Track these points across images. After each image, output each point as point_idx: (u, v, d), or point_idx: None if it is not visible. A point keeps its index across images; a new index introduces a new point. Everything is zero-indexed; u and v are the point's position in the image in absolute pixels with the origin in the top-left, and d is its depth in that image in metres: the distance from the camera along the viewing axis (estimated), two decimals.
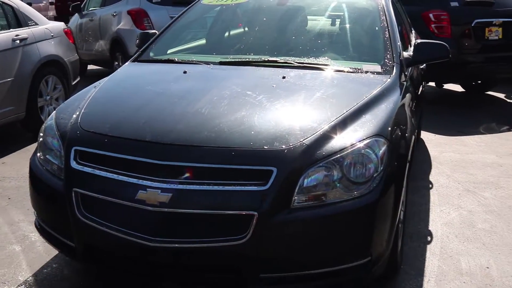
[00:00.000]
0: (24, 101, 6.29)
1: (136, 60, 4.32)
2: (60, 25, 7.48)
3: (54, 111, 3.50)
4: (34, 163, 3.27)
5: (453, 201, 4.67)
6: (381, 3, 4.44)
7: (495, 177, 5.27)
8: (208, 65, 3.95)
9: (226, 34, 4.91)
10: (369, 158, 2.81)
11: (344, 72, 3.74)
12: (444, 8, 7.99)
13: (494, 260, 3.67)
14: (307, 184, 2.69)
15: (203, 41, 4.92)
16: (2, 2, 6.42)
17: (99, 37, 10.30)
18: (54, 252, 3.64)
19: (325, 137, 2.83)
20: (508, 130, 7.02)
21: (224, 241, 2.62)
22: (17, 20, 6.54)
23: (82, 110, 3.27)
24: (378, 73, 3.71)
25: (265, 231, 2.61)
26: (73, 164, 2.92)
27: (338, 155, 2.75)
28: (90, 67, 11.75)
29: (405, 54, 4.06)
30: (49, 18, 11.79)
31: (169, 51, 4.47)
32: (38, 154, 3.27)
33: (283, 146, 2.73)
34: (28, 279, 3.39)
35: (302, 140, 2.78)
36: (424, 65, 5.37)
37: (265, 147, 2.73)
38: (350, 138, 2.86)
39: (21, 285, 3.32)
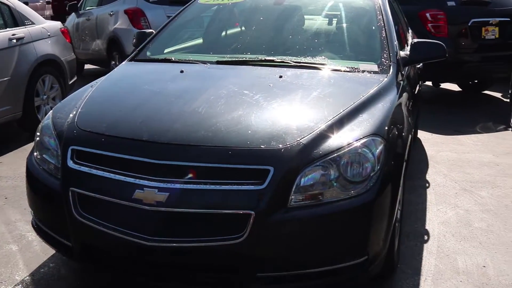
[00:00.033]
0: (21, 100, 6.28)
1: (133, 59, 4.32)
2: (57, 24, 7.47)
3: (51, 111, 3.49)
4: (31, 162, 3.26)
5: (450, 200, 4.68)
6: (378, 3, 4.44)
7: (491, 176, 5.28)
8: (205, 65, 3.95)
9: (223, 33, 4.91)
10: (366, 157, 2.81)
11: (341, 71, 3.74)
12: (441, 7, 8.00)
13: (490, 259, 3.68)
14: (304, 183, 2.69)
15: (200, 41, 4.92)
16: None
17: (96, 36, 10.28)
18: (51, 251, 3.63)
19: (322, 136, 2.83)
20: (505, 129, 7.03)
21: (221, 240, 2.62)
22: (14, 19, 6.53)
23: (79, 110, 3.27)
24: (375, 72, 3.72)
25: (262, 230, 2.61)
26: (70, 163, 2.92)
27: (335, 154, 2.76)
28: (87, 66, 11.75)
29: (402, 53, 4.06)
30: (46, 18, 11.77)
31: (166, 51, 4.47)
32: (35, 154, 3.27)
33: (280, 145, 2.73)
34: (25, 279, 3.38)
35: (299, 139, 2.78)
36: (421, 64, 5.37)
37: (262, 146, 2.73)
38: (347, 137, 2.86)
39: (18, 285, 3.32)
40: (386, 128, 3.03)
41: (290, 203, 2.66)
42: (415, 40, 4.32)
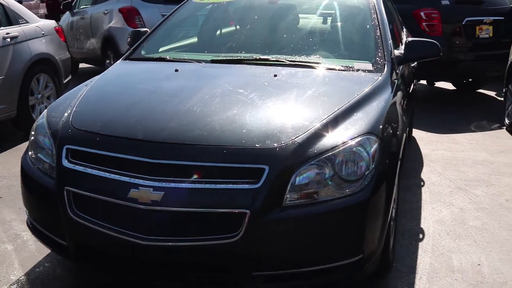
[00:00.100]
0: (15, 99, 6.27)
1: (127, 58, 4.31)
2: (51, 23, 7.45)
3: (46, 110, 3.48)
4: (26, 161, 3.25)
5: (444, 198, 4.69)
6: (372, 1, 4.44)
7: (486, 175, 5.29)
8: (200, 63, 3.95)
9: (218, 32, 4.90)
10: (361, 156, 2.82)
11: (336, 70, 3.74)
12: (435, 6, 8.02)
13: (485, 257, 3.69)
14: (299, 182, 2.69)
15: (194, 39, 4.91)
16: None
17: (91, 35, 10.27)
18: (46, 251, 3.63)
19: (317, 135, 2.83)
20: (499, 127, 7.06)
21: (217, 239, 2.62)
22: (8, 18, 6.51)
23: (74, 109, 3.26)
24: (369, 71, 3.72)
25: (257, 229, 2.61)
26: (65, 162, 2.91)
27: (330, 153, 2.76)
28: (81, 65, 11.72)
29: (396, 52, 4.07)
30: (40, 16, 11.75)
31: (160, 49, 4.46)
32: (30, 153, 3.26)
33: (275, 144, 2.74)
34: (21, 278, 3.38)
35: (293, 138, 2.78)
36: (416, 63, 5.38)
37: (257, 145, 2.73)
38: (342, 136, 2.87)
39: (13, 284, 3.31)
40: (381, 127, 3.03)
41: (285, 202, 2.66)
42: (410, 39, 4.33)
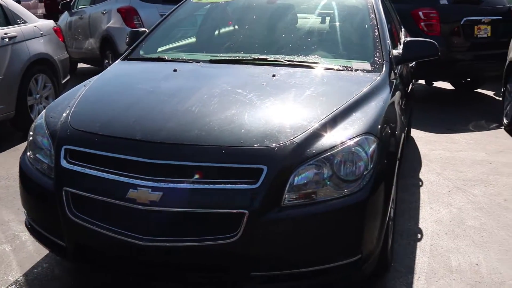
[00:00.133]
0: (14, 99, 6.26)
1: (126, 58, 4.31)
2: (50, 23, 7.45)
3: (44, 110, 3.48)
4: (24, 162, 3.25)
5: (443, 198, 4.69)
6: (371, 1, 4.44)
7: (484, 175, 5.30)
8: (198, 63, 3.95)
9: (216, 32, 4.91)
10: (359, 156, 2.82)
11: (334, 70, 3.74)
12: (434, 6, 8.03)
13: (483, 257, 3.69)
14: (298, 182, 2.69)
15: (193, 39, 4.91)
16: None
17: (89, 35, 10.26)
18: (44, 251, 3.62)
19: (315, 135, 2.83)
20: (497, 127, 7.06)
21: (215, 239, 2.62)
22: (6, 18, 6.50)
23: (72, 109, 3.26)
24: (367, 71, 3.72)
25: (255, 230, 2.61)
26: (63, 163, 2.91)
27: (328, 153, 2.76)
28: (80, 65, 11.72)
29: (395, 52, 4.07)
30: (39, 16, 11.74)
31: (159, 49, 4.46)
32: (28, 153, 3.26)
33: (274, 145, 2.74)
34: (19, 279, 3.37)
35: (292, 138, 2.78)
36: (414, 63, 5.39)
37: (255, 145, 2.73)
38: (340, 136, 2.87)
39: (12, 285, 3.31)
40: (379, 126, 3.03)
41: (284, 202, 2.66)
42: (408, 38, 4.33)
